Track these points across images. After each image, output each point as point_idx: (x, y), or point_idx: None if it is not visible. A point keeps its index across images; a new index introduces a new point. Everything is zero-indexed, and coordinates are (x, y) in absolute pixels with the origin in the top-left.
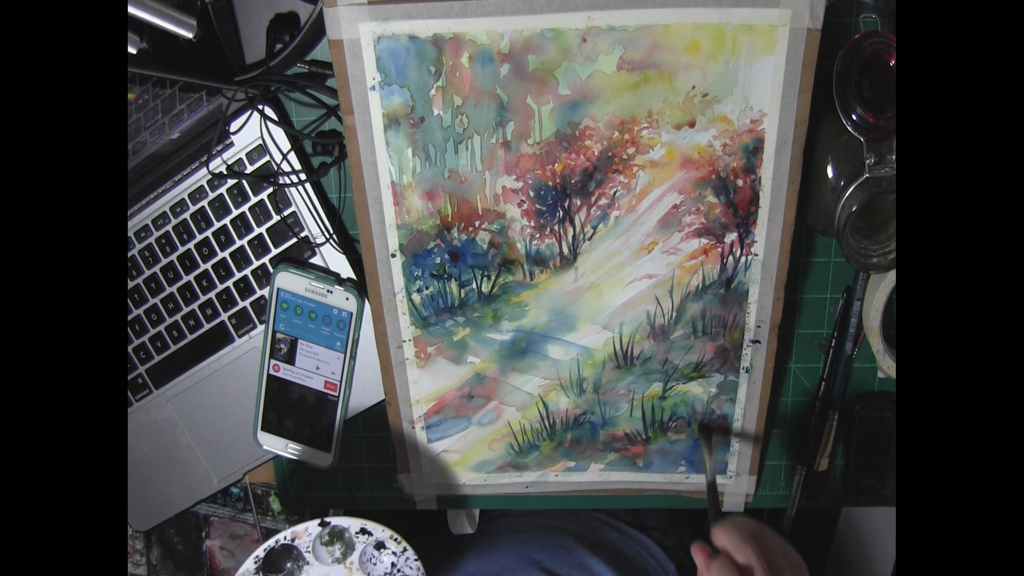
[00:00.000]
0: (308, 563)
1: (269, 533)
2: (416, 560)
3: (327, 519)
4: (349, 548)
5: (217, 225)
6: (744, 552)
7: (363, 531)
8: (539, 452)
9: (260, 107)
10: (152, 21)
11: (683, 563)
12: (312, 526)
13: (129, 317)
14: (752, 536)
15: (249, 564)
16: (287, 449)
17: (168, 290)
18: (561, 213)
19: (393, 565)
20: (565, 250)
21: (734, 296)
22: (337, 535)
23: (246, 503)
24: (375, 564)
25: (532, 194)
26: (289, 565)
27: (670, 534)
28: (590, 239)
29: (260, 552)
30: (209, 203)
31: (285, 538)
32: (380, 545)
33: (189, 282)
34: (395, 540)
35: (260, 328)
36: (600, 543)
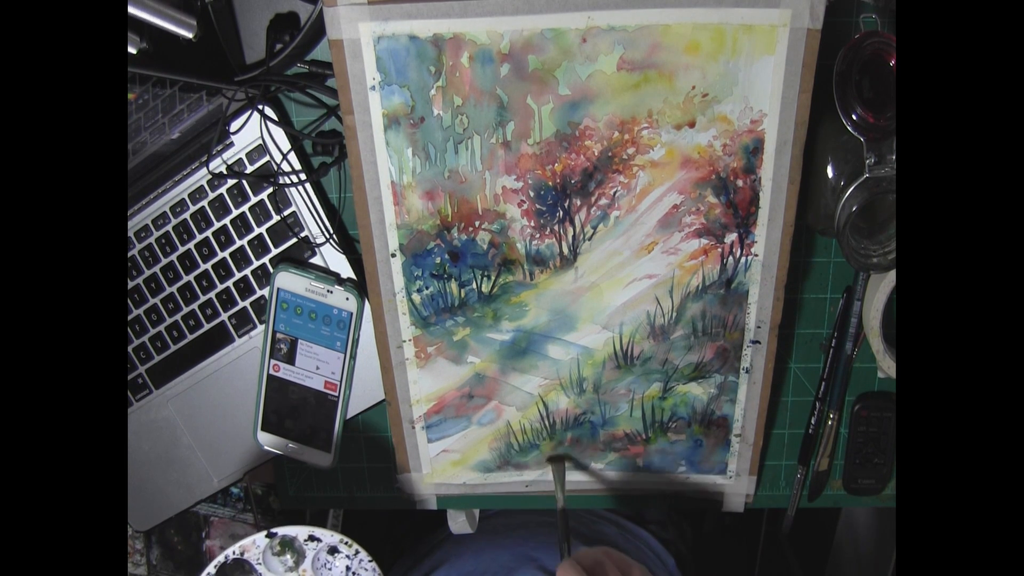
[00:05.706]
0: (260, 575)
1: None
2: (371, 561)
3: (274, 530)
4: (300, 556)
5: (217, 225)
6: None
7: (312, 538)
8: (539, 452)
9: (260, 107)
10: (152, 21)
11: (681, 555)
12: (259, 538)
13: (129, 317)
14: (591, 570)
15: None
16: (287, 449)
17: (168, 290)
18: (561, 213)
19: (348, 568)
20: (565, 250)
21: (734, 296)
22: (287, 544)
23: (246, 503)
24: (329, 569)
25: (532, 194)
26: None
27: (668, 527)
28: (590, 239)
29: (211, 569)
30: (209, 203)
31: (234, 552)
32: (333, 550)
33: (189, 282)
34: (346, 544)
35: (260, 328)
36: (597, 538)
